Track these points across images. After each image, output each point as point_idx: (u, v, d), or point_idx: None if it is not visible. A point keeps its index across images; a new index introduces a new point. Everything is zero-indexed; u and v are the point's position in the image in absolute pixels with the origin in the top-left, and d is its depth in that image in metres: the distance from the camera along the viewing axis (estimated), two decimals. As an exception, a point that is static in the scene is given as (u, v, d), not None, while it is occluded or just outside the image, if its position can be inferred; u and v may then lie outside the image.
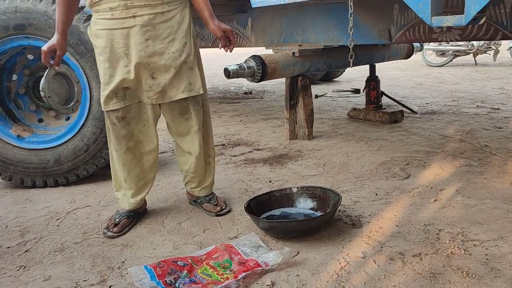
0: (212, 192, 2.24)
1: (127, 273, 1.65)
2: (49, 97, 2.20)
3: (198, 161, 2.10)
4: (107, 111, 1.92)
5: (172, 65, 1.86)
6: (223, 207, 2.16)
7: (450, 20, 1.66)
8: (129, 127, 1.96)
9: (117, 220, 2.03)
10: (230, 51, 2.01)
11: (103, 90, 1.88)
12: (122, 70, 1.84)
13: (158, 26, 1.82)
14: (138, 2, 1.78)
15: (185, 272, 1.57)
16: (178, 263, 1.62)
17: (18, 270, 1.74)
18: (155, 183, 2.65)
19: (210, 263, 1.64)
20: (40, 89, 2.16)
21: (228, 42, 1.97)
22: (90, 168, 2.69)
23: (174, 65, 1.87)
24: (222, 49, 2.01)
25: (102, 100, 1.90)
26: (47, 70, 2.08)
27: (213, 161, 2.21)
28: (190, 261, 1.64)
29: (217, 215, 2.13)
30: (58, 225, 2.14)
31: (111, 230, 2.00)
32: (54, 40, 1.92)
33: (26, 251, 1.90)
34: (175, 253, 1.80)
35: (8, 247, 1.94)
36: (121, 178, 2.06)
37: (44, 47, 1.91)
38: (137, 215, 2.13)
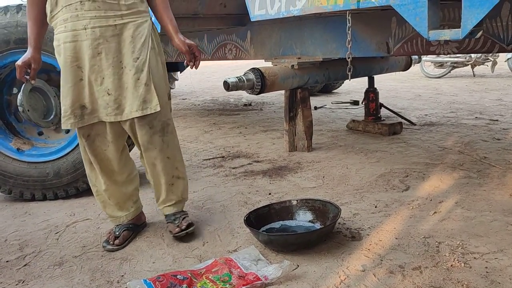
0: (181, 211, 2.12)
1: (126, 287, 1.65)
2: (28, 110, 2.13)
3: (155, 179, 2.03)
4: (77, 129, 1.89)
5: (125, 80, 1.79)
6: (183, 227, 1.99)
7: (447, 34, 1.68)
8: (94, 145, 1.93)
9: (118, 233, 2.03)
10: (196, 67, 1.96)
11: (62, 106, 1.83)
12: (77, 85, 1.79)
13: (111, 39, 1.75)
14: (89, 13, 1.72)
15: (184, 286, 1.57)
16: (178, 276, 1.61)
17: (16, 284, 1.74)
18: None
19: (210, 277, 1.64)
20: (18, 104, 2.10)
21: (193, 57, 1.93)
22: (80, 186, 2.69)
23: (127, 80, 1.79)
24: (191, 66, 1.96)
25: (62, 119, 1.84)
26: (23, 85, 2.04)
27: (177, 181, 2.06)
28: (189, 274, 1.63)
29: (174, 237, 2.01)
30: (57, 239, 2.14)
31: (111, 243, 1.99)
32: (28, 54, 1.89)
33: (25, 265, 1.89)
34: (175, 267, 1.79)
35: (7, 261, 1.94)
36: (104, 197, 2.04)
37: (19, 62, 1.88)
38: (136, 227, 2.13)
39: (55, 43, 1.81)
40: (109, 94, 1.79)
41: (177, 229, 2.01)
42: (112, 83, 1.78)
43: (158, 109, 1.83)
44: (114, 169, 2.00)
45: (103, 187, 2.00)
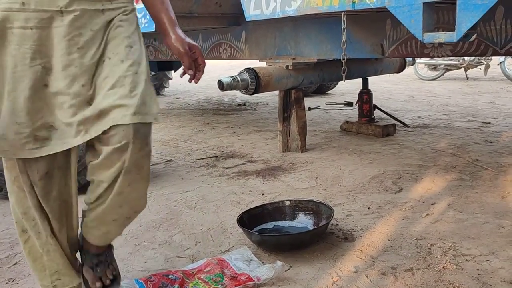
0: (108, 252, 1.49)
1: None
2: None
3: (112, 211, 1.34)
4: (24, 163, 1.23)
5: (114, 74, 1.24)
6: (107, 283, 1.44)
7: (442, 37, 1.68)
8: (52, 183, 1.32)
9: None
10: (197, 80, 1.42)
11: (9, 126, 1.16)
12: (39, 94, 1.17)
13: (97, 28, 1.21)
14: None
15: (176, 286, 1.56)
16: (170, 276, 1.61)
17: (6, 283, 1.72)
18: (148, 194, 2.63)
19: (202, 277, 1.63)
20: None
21: (194, 64, 1.40)
22: (82, 179, 2.66)
23: (116, 74, 1.24)
24: (191, 77, 1.42)
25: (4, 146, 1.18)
26: None
27: (128, 220, 1.42)
28: (181, 275, 1.63)
29: None
30: (48, 237, 2.12)
31: None
32: None
33: (15, 264, 1.87)
34: (166, 267, 1.78)
35: (-3, 260, 1.92)
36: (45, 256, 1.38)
37: None
38: None
39: None
40: (90, 104, 1.19)
41: (99, 285, 1.42)
42: (97, 88, 1.21)
43: (158, 119, 1.27)
44: (71, 211, 1.43)
45: (50, 241, 1.36)
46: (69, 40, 1.17)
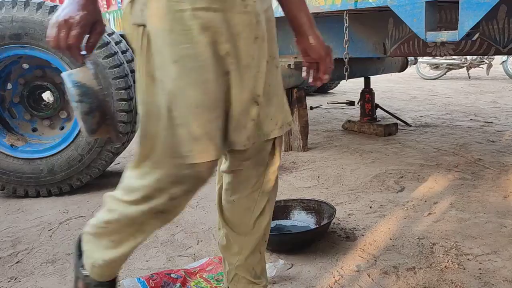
0: None
1: (119, 286, 1.64)
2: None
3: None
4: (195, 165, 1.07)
5: (272, 79, 1.13)
6: None
7: (444, 36, 1.68)
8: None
9: None
10: (320, 83, 1.28)
11: (198, 125, 0.98)
12: (224, 83, 1.01)
13: (264, 16, 1.06)
14: None
15: (178, 284, 1.56)
16: (172, 275, 1.61)
17: (9, 281, 1.72)
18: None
19: (204, 276, 1.63)
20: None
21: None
22: (84, 178, 2.68)
23: (274, 80, 1.15)
24: (321, 79, 1.25)
25: (194, 149, 1.03)
26: (77, 69, 1.08)
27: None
28: (183, 273, 1.63)
29: None
30: (50, 236, 2.13)
31: None
32: (74, 9, 0.98)
33: (17, 262, 1.88)
34: (168, 265, 1.78)
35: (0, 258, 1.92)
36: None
37: (65, 20, 0.97)
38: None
39: (164, 4, 0.93)
40: (257, 104, 1.07)
41: None
42: (262, 85, 1.08)
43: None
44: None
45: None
46: (251, 30, 1.02)
